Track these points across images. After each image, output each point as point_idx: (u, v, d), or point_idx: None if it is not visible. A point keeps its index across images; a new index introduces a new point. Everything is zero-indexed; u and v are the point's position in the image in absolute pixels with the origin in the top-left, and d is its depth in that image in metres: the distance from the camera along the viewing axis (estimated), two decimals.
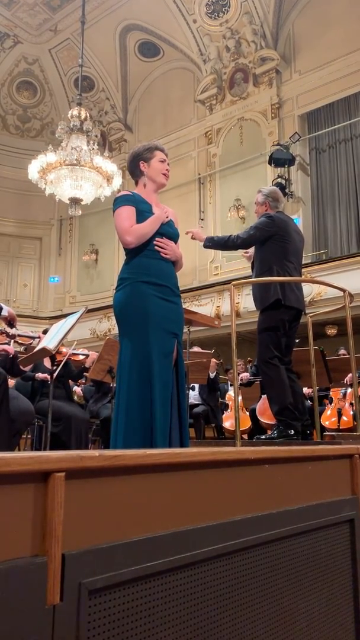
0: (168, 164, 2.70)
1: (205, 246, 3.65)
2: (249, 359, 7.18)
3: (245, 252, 3.92)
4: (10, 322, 3.19)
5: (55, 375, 3.96)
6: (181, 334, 2.55)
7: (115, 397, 2.49)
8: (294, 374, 3.54)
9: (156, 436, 2.28)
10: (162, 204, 2.69)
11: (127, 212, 2.52)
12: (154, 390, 2.33)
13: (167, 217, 2.59)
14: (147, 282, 2.44)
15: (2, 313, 3.08)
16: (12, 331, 3.86)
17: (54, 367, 4.05)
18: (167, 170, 2.67)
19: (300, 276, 3.77)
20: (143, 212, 2.53)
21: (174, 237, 2.61)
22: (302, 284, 3.78)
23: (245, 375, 6.22)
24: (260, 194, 3.73)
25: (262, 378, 4.03)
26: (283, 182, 9.85)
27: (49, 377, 4.37)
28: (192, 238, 3.59)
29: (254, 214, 3.92)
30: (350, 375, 5.47)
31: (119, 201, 2.58)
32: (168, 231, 2.58)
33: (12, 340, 4.12)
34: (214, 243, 3.65)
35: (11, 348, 3.92)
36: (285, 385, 3.32)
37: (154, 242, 2.50)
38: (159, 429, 2.30)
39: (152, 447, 2.24)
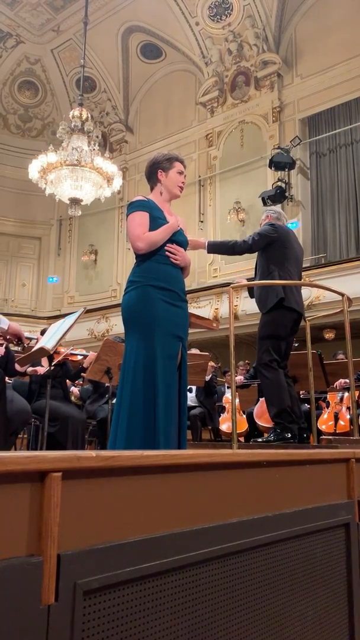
0: (185, 176, 2.73)
1: (209, 251, 3.58)
2: (247, 361, 7.18)
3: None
4: (19, 340, 3.02)
5: (48, 372, 3.95)
6: (186, 338, 2.58)
7: (117, 397, 2.51)
8: (289, 378, 3.57)
9: (158, 438, 2.30)
10: (173, 213, 2.71)
11: (141, 218, 2.54)
12: (157, 392, 2.36)
13: (179, 227, 2.63)
14: (156, 286, 2.47)
15: (1, 326, 2.92)
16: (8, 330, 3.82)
17: (52, 368, 4.05)
18: (183, 182, 2.71)
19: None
20: (156, 218, 2.57)
21: (183, 244, 2.66)
22: (301, 287, 3.80)
23: (240, 379, 6.21)
24: (264, 213, 3.89)
25: (260, 381, 4.05)
26: (283, 185, 9.86)
27: (39, 370, 4.36)
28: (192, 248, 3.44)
29: (253, 217, 3.98)
30: (340, 380, 5.48)
31: (133, 206, 2.60)
32: (179, 239, 2.62)
33: (7, 343, 4.10)
34: (217, 248, 3.64)
35: (1, 349, 3.88)
36: (283, 388, 3.35)
37: (166, 248, 2.53)
38: (161, 431, 2.32)
39: (154, 448, 2.24)
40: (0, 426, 3.56)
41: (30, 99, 13.61)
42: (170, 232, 2.56)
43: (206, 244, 3.50)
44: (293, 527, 1.63)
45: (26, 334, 4.87)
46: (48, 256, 13.97)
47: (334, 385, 5.49)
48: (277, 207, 3.94)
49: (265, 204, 9.41)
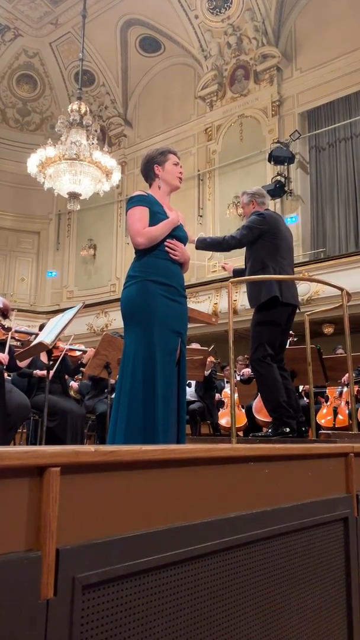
0: (181, 167, 2.73)
1: (198, 247, 3.54)
2: (245, 356, 7.18)
3: (225, 263, 3.99)
4: (4, 313, 3.13)
5: (51, 369, 3.95)
6: (185, 333, 2.58)
7: (116, 393, 2.51)
8: (286, 371, 3.53)
9: (157, 433, 2.30)
10: (173, 208, 2.70)
11: (141, 213, 2.54)
12: (156, 387, 2.36)
13: (179, 222, 2.63)
14: (155, 281, 2.47)
15: None
16: (8, 322, 3.82)
17: (50, 362, 4.05)
18: (180, 173, 2.71)
19: (293, 272, 3.74)
20: (157, 213, 2.56)
21: (183, 240, 2.66)
22: (300, 282, 3.79)
23: (247, 371, 6.21)
24: (245, 195, 3.71)
25: (254, 376, 4.04)
26: (282, 180, 9.83)
27: (46, 373, 4.36)
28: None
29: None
30: (347, 375, 5.47)
31: (133, 201, 2.59)
32: (179, 234, 2.62)
33: (10, 336, 4.10)
34: (206, 244, 3.57)
35: (5, 357, 3.87)
36: (277, 383, 3.31)
37: (165, 244, 2.53)
38: (160, 425, 2.32)
39: (153, 443, 2.25)
40: None
41: (28, 93, 13.55)
42: (171, 228, 2.56)
43: (195, 241, 3.46)
44: (291, 522, 1.64)
45: (25, 329, 4.86)
46: (47, 251, 13.95)
47: (342, 380, 5.49)
48: (256, 188, 3.81)
49: None
